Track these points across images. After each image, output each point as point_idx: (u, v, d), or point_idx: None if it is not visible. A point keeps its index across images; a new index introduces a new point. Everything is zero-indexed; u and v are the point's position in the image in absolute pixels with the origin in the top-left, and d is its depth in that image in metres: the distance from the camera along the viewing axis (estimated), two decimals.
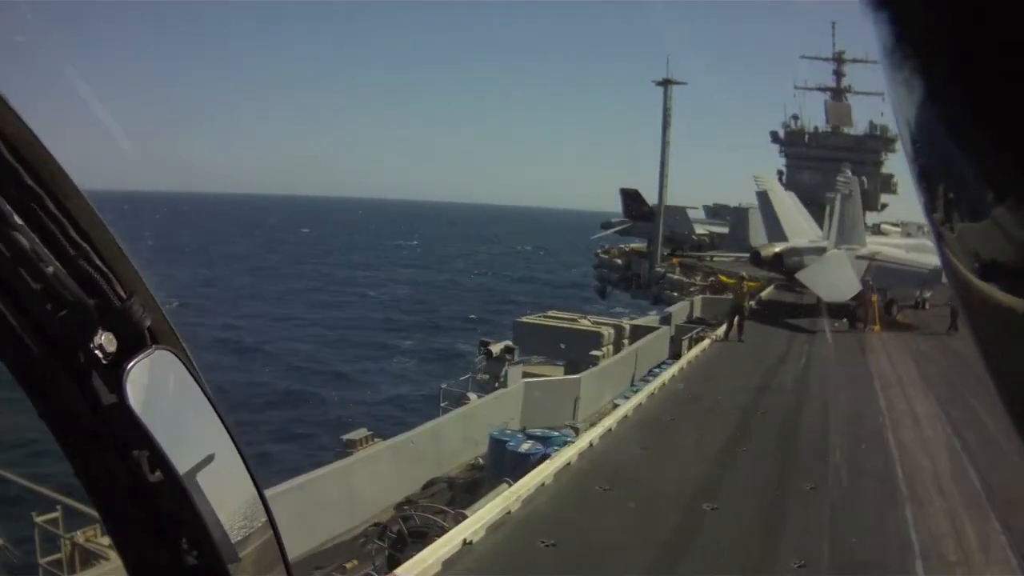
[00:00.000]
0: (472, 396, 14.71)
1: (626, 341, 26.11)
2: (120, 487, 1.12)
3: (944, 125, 0.40)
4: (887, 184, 46.39)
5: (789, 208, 25.86)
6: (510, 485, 9.90)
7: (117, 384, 1.07)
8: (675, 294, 33.99)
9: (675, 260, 36.84)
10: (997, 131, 0.37)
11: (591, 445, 11.51)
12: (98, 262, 1.08)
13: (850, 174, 39.36)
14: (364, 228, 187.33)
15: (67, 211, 1.06)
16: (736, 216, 31.28)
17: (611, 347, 24.86)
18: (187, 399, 1.22)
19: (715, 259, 36.21)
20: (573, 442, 11.71)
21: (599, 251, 43.46)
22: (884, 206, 46.99)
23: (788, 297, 27.95)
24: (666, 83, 36.22)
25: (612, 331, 24.65)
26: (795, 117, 49.40)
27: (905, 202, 46.92)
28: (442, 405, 15.33)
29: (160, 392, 1.15)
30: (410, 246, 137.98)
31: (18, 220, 0.99)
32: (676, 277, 35.01)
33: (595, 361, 19.55)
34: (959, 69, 0.38)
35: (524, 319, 26.02)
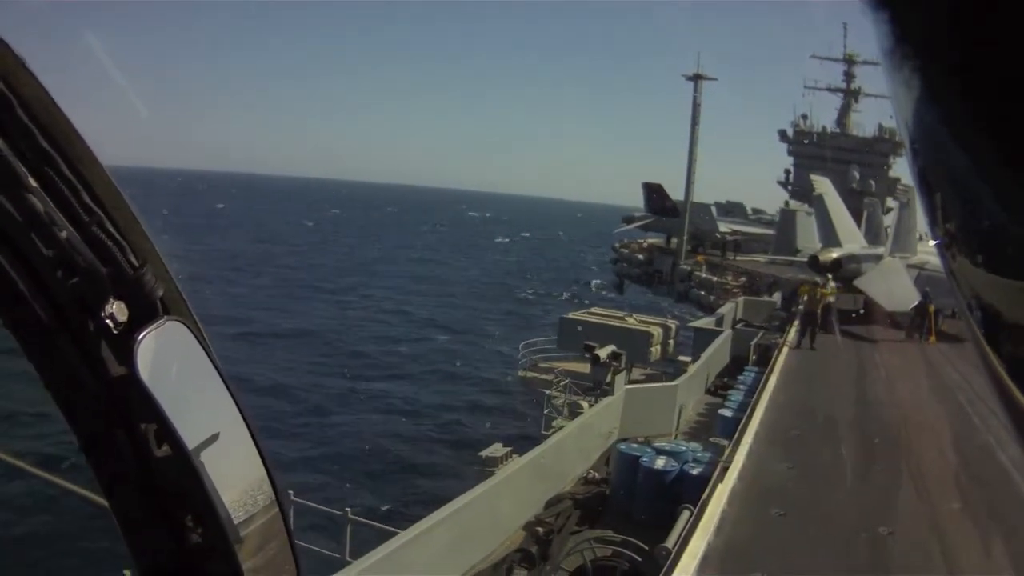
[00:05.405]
0: (584, 404, 14.15)
1: (672, 341, 25.89)
2: (125, 460, 1.08)
3: (944, 125, 0.40)
4: (893, 188, 47.09)
5: (843, 213, 25.83)
6: (691, 512, 9.45)
7: (127, 355, 1.03)
8: (702, 292, 33.78)
9: (700, 258, 36.54)
10: (997, 131, 0.37)
11: (742, 464, 11.14)
12: (111, 229, 1.04)
13: (858, 175, 39.84)
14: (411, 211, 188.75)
15: (82, 176, 1.02)
16: (784, 217, 31.22)
17: (659, 347, 24.66)
18: (198, 372, 1.18)
19: (739, 259, 36.13)
20: (718, 459, 11.28)
21: (617, 245, 43.01)
22: (889, 210, 47.78)
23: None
24: (696, 78, 35.88)
25: (660, 331, 24.39)
26: (804, 116, 49.62)
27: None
28: (545, 412, 14.76)
29: (171, 364, 1.12)
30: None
31: (32, 183, 0.95)
32: (705, 276, 34.77)
33: (675, 367, 19.17)
34: (959, 69, 0.38)
35: (570, 315, 25.61)
